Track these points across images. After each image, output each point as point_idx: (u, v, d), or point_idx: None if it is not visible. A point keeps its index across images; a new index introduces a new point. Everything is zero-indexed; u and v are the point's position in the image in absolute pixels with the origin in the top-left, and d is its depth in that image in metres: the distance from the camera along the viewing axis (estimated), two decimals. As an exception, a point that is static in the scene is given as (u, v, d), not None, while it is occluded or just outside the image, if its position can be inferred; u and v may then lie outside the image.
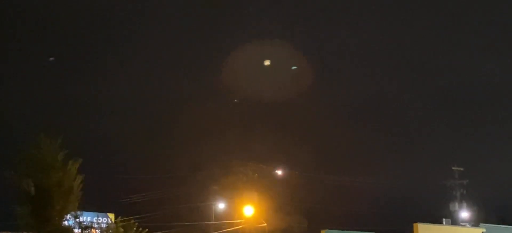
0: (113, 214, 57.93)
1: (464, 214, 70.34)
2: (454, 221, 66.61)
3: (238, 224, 61.09)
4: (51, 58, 66.71)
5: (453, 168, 70.45)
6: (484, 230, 58.60)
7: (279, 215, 63.35)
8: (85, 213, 51.19)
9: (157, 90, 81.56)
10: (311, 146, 72.84)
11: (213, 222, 63.44)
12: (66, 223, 44.71)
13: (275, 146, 68.93)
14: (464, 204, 70.39)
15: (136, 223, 51.41)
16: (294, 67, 68.69)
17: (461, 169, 70.81)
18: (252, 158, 65.55)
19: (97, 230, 53.71)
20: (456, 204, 70.36)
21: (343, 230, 56.50)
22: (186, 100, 79.82)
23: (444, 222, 62.82)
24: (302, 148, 69.81)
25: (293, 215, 65.33)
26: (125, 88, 78.32)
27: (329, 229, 55.44)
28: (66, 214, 43.58)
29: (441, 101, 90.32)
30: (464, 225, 66.10)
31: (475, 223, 65.13)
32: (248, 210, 61.00)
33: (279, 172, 67.60)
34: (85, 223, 50.42)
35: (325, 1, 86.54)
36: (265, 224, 60.41)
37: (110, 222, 57.07)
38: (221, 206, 65.52)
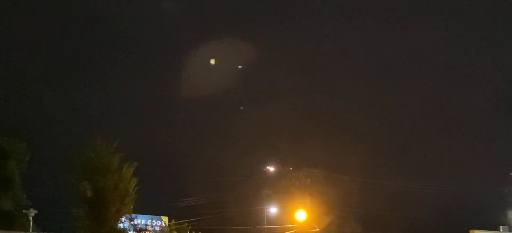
0: (167, 217, 58.61)
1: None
2: (512, 228, 64.76)
3: (290, 228, 60.81)
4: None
5: (510, 174, 68.45)
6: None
7: (332, 220, 62.78)
8: (139, 216, 51.92)
9: (211, 95, 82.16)
10: (365, 151, 72.03)
11: (266, 227, 63.38)
12: (121, 225, 45.42)
13: (329, 151, 68.30)
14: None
15: (189, 226, 51.85)
16: (239, 67, 69.02)
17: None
18: (305, 163, 65.26)
19: (151, 233, 54.45)
20: (514, 211, 68.32)
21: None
22: (240, 105, 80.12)
23: (501, 229, 61.15)
24: (356, 153, 69.08)
25: (347, 220, 64.65)
26: (179, 92, 79.13)
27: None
28: (121, 217, 44.26)
29: (500, 107, 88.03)
30: (522, 233, 64.12)
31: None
32: (301, 215, 60.61)
33: (271, 169, 67.71)
34: (139, 226, 51.16)
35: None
36: (318, 229, 59.97)
37: (163, 225, 57.72)
38: (273, 210, 65.41)
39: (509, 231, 62.20)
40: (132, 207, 44.24)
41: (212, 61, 70.73)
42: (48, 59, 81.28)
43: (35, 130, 63.77)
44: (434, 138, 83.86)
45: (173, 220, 53.74)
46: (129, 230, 45.68)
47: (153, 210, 58.17)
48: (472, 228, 54.04)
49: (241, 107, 77.85)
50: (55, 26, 76.95)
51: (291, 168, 67.56)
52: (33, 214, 43.51)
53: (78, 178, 42.19)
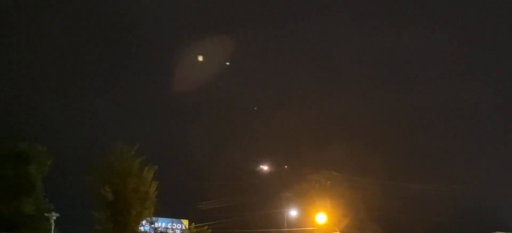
0: (187, 220, 58.74)
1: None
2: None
3: (310, 231, 60.63)
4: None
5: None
6: None
7: (352, 223, 62.47)
8: (160, 219, 52.17)
9: (231, 97, 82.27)
10: (385, 153, 71.55)
11: (286, 230, 63.23)
12: (142, 228, 45.70)
13: (349, 154, 68.00)
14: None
15: (210, 229, 51.97)
16: (227, 63, 68.84)
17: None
18: (325, 165, 65.03)
19: (171, 236, 54.73)
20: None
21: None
22: (260, 108, 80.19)
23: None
24: (376, 155, 68.65)
25: (368, 223, 64.26)
26: (199, 95, 79.30)
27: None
28: (142, 220, 44.59)
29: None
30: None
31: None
32: (321, 218, 60.35)
33: (265, 167, 67.59)
34: (160, 229, 51.44)
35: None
36: (338, 232, 59.71)
37: (184, 228, 57.93)
38: (293, 213, 65.26)
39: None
40: (152, 210, 44.53)
41: (227, 63, 70.98)
42: (67, 64, 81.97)
43: (56, 134, 64.42)
44: (455, 140, 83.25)
45: (194, 223, 53.90)
46: (149, 233, 45.91)
47: (174, 213, 58.36)
48: (494, 230, 53.42)
49: (255, 108, 77.94)
50: (69, 29, 77.47)
51: (285, 167, 67.88)
52: (55, 218, 43.78)
53: (99, 181, 42.55)
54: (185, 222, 58.78)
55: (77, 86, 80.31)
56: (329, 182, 64.51)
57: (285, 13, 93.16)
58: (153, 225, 47.40)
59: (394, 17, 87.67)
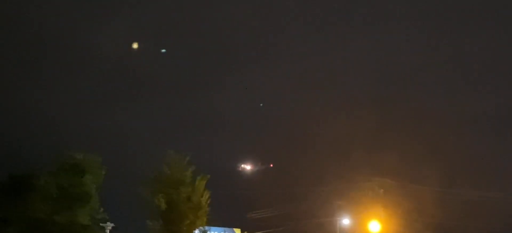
0: (239, 229, 58.68)
1: None
2: None
3: (364, 239, 59.88)
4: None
5: None
6: None
7: (407, 232, 61.36)
8: (212, 228, 52.18)
9: (281, 106, 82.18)
10: (441, 160, 69.96)
11: (338, 238, 62.66)
12: (194, 237, 45.71)
13: (403, 161, 66.70)
14: None
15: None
16: (163, 51, 67.52)
17: None
18: (379, 173, 63.96)
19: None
20: None
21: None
22: (313, 116, 79.82)
23: None
24: (431, 162, 67.15)
25: (422, 231, 63.00)
26: (251, 104, 79.46)
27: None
28: (195, 229, 44.59)
29: None
30: None
31: None
32: (374, 226, 59.51)
33: (247, 167, 66.43)
34: (212, 238, 51.46)
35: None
36: (392, 240, 58.80)
37: (236, 237, 57.93)
38: (346, 221, 64.48)
39: None
40: (205, 219, 44.54)
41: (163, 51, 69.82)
42: (119, 77, 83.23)
43: (109, 144, 65.30)
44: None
45: (246, 232, 53.82)
46: (202, 242, 45.90)
47: (226, 222, 58.33)
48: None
49: (261, 105, 77.02)
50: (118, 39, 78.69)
51: (271, 165, 67.25)
52: (110, 228, 44.38)
53: (152, 191, 42.80)
54: (237, 231, 58.72)
55: (128, 96, 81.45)
56: (382, 190, 63.44)
57: (347, 21, 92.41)
58: (205, 234, 47.40)
59: (454, 21, 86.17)
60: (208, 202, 44.60)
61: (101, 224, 41.41)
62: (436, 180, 65.00)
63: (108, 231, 42.88)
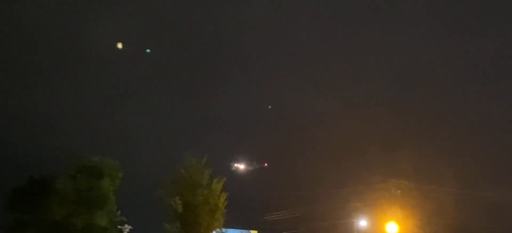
0: (256, 231, 58.68)
1: None
2: None
3: (381, 241, 59.63)
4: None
5: None
6: None
7: (425, 233, 60.99)
8: (229, 230, 52.18)
9: (297, 107, 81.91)
10: (459, 160, 69.33)
11: (356, 239, 62.47)
12: (211, 239, 45.68)
13: (421, 161, 66.18)
14: None
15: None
16: (148, 50, 67.37)
17: None
18: (395, 174, 63.58)
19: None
20: None
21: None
22: (327, 116, 79.56)
23: None
24: (449, 162, 66.57)
25: (441, 233, 62.58)
26: (265, 104, 79.32)
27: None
28: (212, 231, 44.58)
29: None
30: None
31: None
32: (392, 228, 59.26)
33: (241, 166, 66.17)
34: (229, 240, 51.41)
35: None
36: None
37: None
38: (362, 223, 64.26)
39: None
40: (222, 221, 44.53)
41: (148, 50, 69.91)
42: (134, 81, 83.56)
43: (126, 147, 65.56)
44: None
45: (263, 234, 53.85)
46: (220, 245, 45.89)
47: (243, 224, 58.33)
48: None
49: (269, 107, 76.98)
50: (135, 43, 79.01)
51: (266, 164, 67.09)
52: (127, 230, 44.51)
53: (169, 193, 42.88)
54: (254, 233, 58.77)
55: (145, 98, 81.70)
56: (399, 191, 63.10)
57: (361, 19, 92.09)
58: (222, 236, 47.39)
59: (474, 19, 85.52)
60: (225, 204, 44.60)
61: (118, 227, 41.52)
62: (456, 181, 64.44)
63: (126, 233, 43.04)
